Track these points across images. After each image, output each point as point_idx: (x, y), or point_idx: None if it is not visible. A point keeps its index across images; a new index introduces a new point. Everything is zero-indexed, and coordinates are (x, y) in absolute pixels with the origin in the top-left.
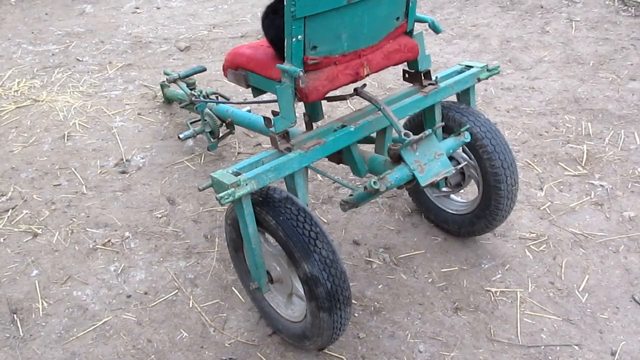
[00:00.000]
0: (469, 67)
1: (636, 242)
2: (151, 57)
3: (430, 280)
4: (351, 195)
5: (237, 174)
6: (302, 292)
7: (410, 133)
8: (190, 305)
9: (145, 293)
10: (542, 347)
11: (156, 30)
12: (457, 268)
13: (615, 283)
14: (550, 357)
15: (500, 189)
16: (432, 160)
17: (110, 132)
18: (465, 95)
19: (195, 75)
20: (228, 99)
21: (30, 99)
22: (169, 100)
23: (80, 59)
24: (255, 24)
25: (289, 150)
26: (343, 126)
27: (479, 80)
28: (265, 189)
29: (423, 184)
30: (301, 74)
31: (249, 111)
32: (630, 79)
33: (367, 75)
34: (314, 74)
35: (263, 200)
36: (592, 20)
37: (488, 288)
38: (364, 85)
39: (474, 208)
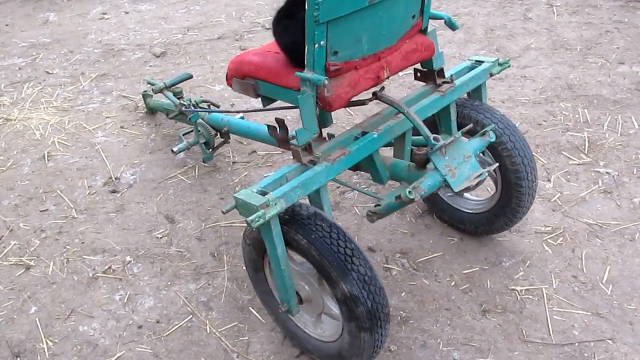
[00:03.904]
0: (479, 62)
1: None
2: (126, 65)
3: (453, 283)
4: (377, 205)
5: (263, 193)
6: (337, 311)
7: (439, 137)
8: (208, 331)
9: (158, 321)
10: (576, 344)
11: (127, 36)
12: (478, 268)
13: (637, 272)
14: (586, 354)
15: (521, 186)
16: (461, 163)
17: (93, 148)
18: (477, 92)
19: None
20: (218, 107)
21: (2, 118)
22: (152, 111)
23: (50, 72)
24: (231, 24)
25: (313, 163)
26: (364, 133)
27: (491, 75)
28: (290, 205)
29: (456, 189)
30: (326, 82)
31: (242, 118)
32: (619, 63)
33: (387, 77)
34: (336, 81)
35: (290, 218)
36: (573, 4)
37: (513, 287)
38: (382, 88)
39: (491, 206)
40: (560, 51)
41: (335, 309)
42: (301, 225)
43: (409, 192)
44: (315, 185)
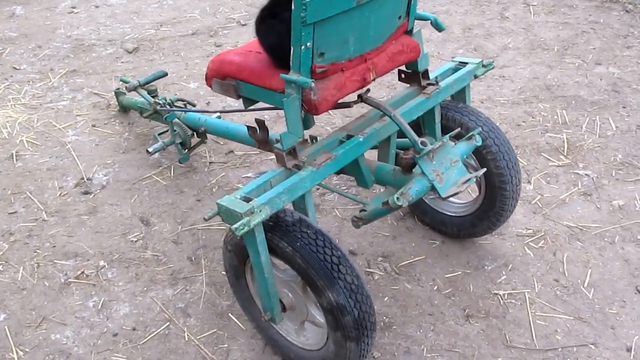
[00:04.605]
0: (463, 63)
1: (629, 231)
2: (97, 62)
3: (435, 287)
4: (363, 210)
5: (247, 199)
6: (321, 320)
7: (427, 142)
8: (186, 338)
9: (134, 329)
10: (559, 349)
11: (98, 31)
12: (460, 272)
13: (618, 275)
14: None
15: (505, 190)
16: (448, 168)
17: (64, 148)
18: (461, 94)
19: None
20: (194, 105)
21: None
22: (125, 109)
23: (18, 68)
24: (205, 19)
25: (298, 167)
26: (349, 136)
27: (475, 77)
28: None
29: (444, 194)
30: (313, 85)
31: (219, 118)
32: (596, 64)
33: (374, 79)
34: (322, 83)
35: (274, 224)
36: (549, 4)
37: (495, 291)
38: (368, 90)
39: (475, 209)
40: (538, 51)
41: (319, 317)
42: (286, 232)
43: (397, 198)
44: (301, 190)
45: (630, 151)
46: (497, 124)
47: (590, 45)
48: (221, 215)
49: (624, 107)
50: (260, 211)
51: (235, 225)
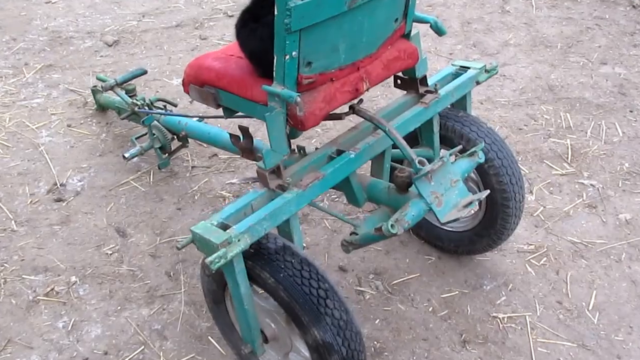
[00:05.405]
0: (464, 68)
1: (637, 248)
2: (75, 55)
3: (430, 309)
4: (354, 233)
5: (224, 226)
6: (307, 354)
7: (426, 161)
8: None
9: (106, 353)
10: None
11: (76, 22)
12: (457, 292)
13: (624, 298)
14: None
15: (508, 207)
16: (448, 189)
17: (36, 150)
18: (461, 101)
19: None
20: (176, 106)
21: None
22: (103, 108)
23: None
24: (190, 10)
25: (282, 188)
26: (339, 151)
27: (477, 83)
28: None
29: (443, 220)
30: (298, 99)
31: (201, 120)
32: (602, 63)
33: (367, 90)
34: (309, 96)
35: (255, 252)
36: None
37: (494, 314)
38: (361, 100)
39: (474, 225)
40: (540, 48)
41: (305, 351)
42: (268, 262)
43: (392, 225)
44: (285, 215)
45: (638, 159)
46: (497, 128)
47: (595, 43)
48: (196, 244)
49: (630, 111)
50: (238, 241)
51: (210, 259)
